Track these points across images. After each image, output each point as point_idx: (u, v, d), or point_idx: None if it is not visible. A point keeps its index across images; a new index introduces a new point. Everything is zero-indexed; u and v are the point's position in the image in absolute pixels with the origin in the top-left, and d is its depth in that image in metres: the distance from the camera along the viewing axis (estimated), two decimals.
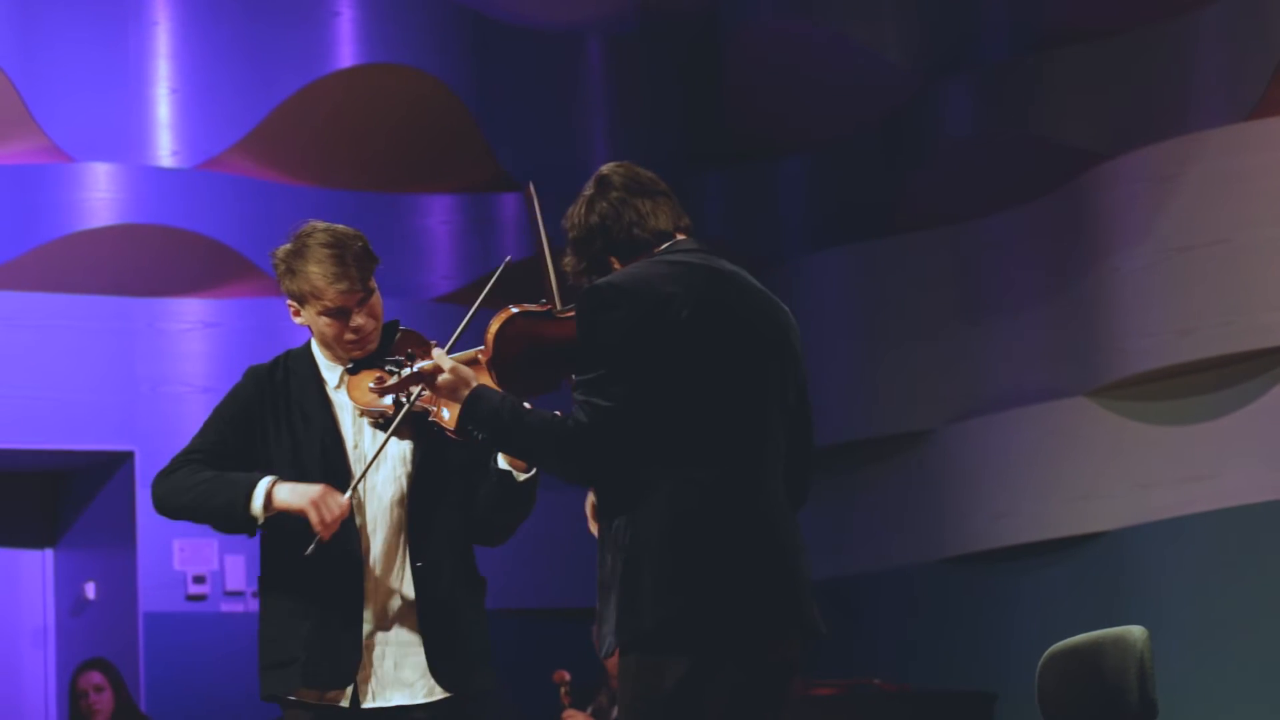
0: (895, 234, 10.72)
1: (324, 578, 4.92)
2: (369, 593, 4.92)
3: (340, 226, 5.03)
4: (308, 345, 5.13)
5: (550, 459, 4.34)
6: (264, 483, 4.90)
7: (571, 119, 11.35)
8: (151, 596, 10.26)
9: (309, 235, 4.98)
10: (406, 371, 4.68)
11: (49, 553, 10.76)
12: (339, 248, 4.94)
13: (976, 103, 10.44)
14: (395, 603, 4.94)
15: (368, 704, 4.91)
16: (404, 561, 4.95)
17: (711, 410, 4.26)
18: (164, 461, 10.90)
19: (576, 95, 11.46)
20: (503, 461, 4.90)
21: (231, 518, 4.93)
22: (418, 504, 4.96)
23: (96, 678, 9.59)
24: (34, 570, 10.73)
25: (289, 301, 5.04)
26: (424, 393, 4.69)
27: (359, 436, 5.00)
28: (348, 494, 4.84)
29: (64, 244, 10.20)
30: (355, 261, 4.94)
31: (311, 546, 4.81)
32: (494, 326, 4.51)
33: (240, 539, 9.99)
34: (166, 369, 10.45)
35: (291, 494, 4.86)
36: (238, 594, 10.44)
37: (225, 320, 10.58)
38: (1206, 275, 9.37)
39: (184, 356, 10.50)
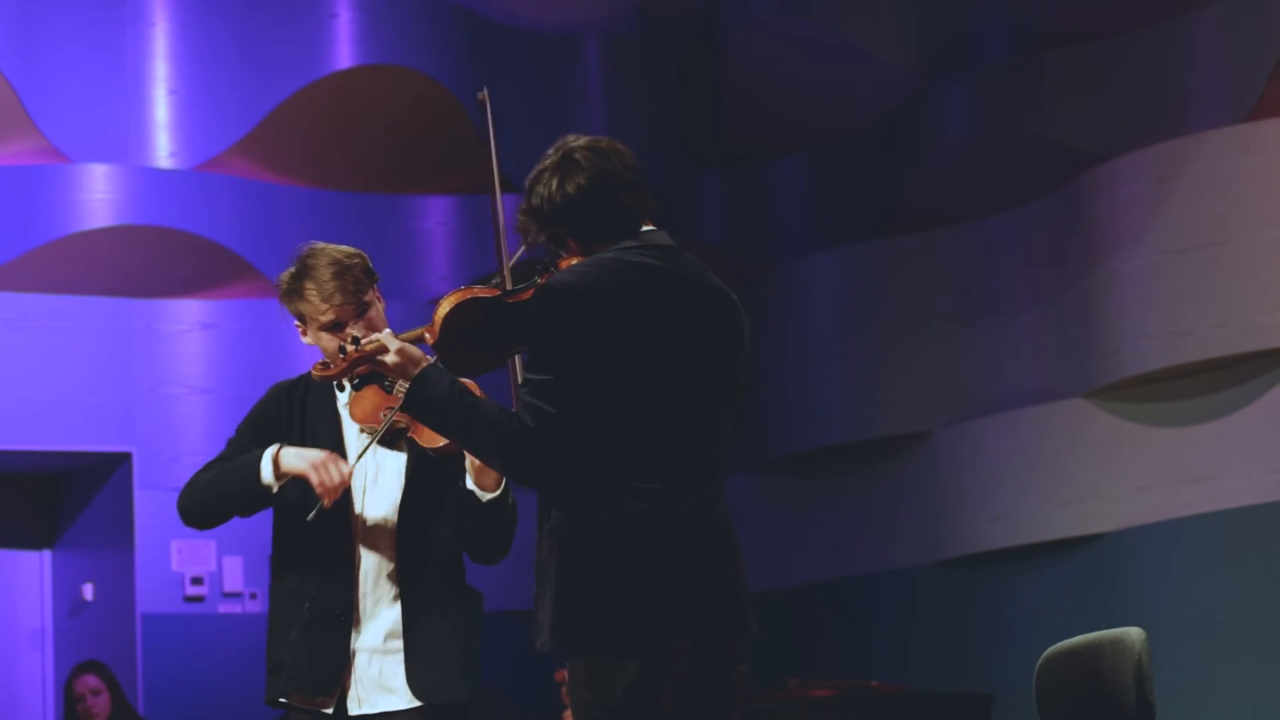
0: (893, 235, 10.73)
1: (318, 585, 5.00)
2: (359, 602, 5.00)
3: (342, 247, 5.11)
4: None
5: (491, 457, 4.32)
6: (270, 450, 4.98)
7: (569, 120, 11.35)
8: (149, 598, 10.26)
9: (308, 255, 5.09)
10: (351, 349, 4.68)
11: (46, 554, 10.76)
12: (335, 265, 5.03)
13: (974, 104, 10.44)
14: (383, 612, 5.00)
15: (354, 710, 4.98)
16: (392, 573, 5.01)
17: (658, 423, 4.24)
18: (162, 463, 10.94)
19: (575, 97, 11.46)
20: (469, 482, 4.96)
21: (247, 495, 5.01)
22: (407, 517, 5.02)
23: (93, 681, 9.58)
24: (31, 571, 10.73)
25: (295, 323, 5.14)
26: (372, 369, 4.70)
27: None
28: (351, 463, 4.93)
29: (62, 245, 10.20)
30: (351, 279, 5.03)
31: (314, 512, 4.89)
32: (443, 308, 4.51)
33: (240, 541, 10.08)
34: (164, 370, 10.45)
35: (297, 457, 4.94)
36: (235, 595, 10.44)
37: (223, 321, 10.58)
38: (1204, 276, 9.37)
39: (182, 358, 10.50)
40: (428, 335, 4.56)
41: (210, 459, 5.20)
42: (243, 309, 10.60)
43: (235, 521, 5.21)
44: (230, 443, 5.16)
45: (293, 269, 5.08)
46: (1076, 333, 9.88)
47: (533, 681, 9.83)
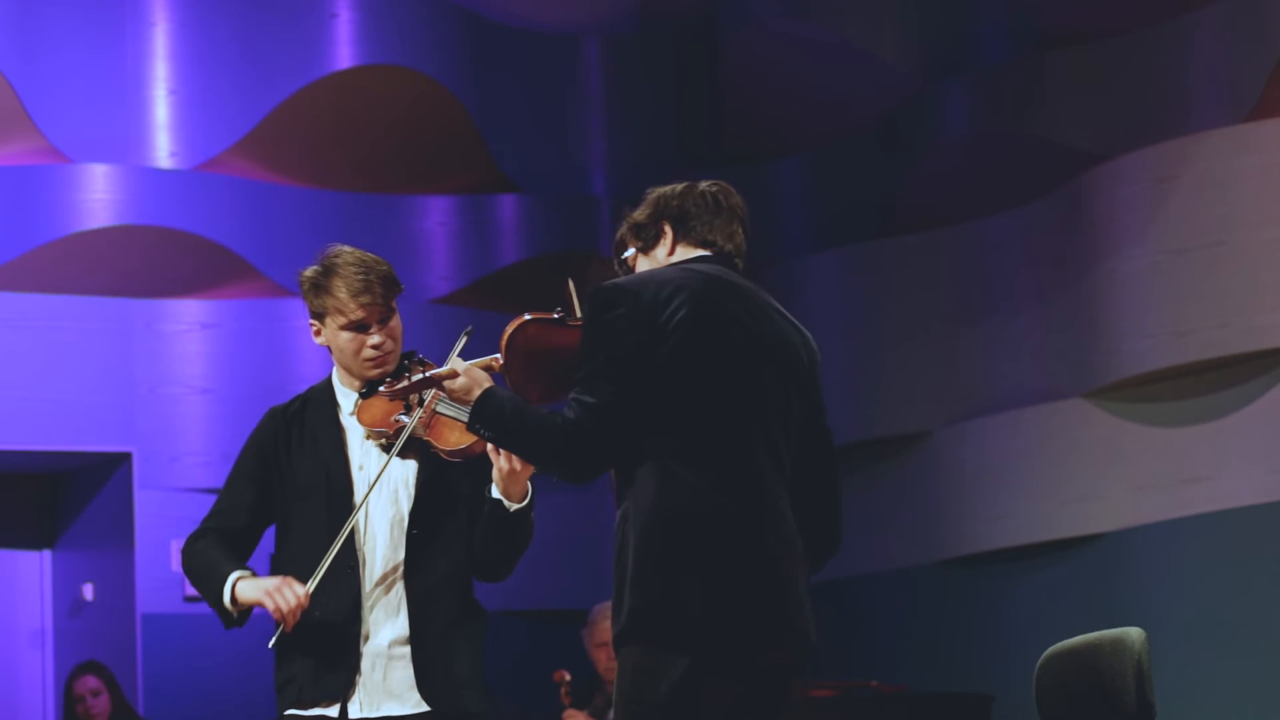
0: (893, 235, 10.73)
1: (323, 594, 4.99)
2: (365, 611, 5.00)
3: (368, 253, 5.15)
4: (328, 377, 5.23)
5: (540, 455, 4.39)
6: (229, 580, 5.03)
7: (569, 121, 11.35)
8: (149, 598, 10.26)
9: (336, 256, 5.11)
10: (419, 376, 4.72)
11: (47, 554, 10.76)
12: (364, 267, 5.07)
13: (974, 104, 10.44)
14: (389, 620, 5.00)
15: (355, 714, 4.98)
16: (399, 582, 5.01)
17: (705, 414, 4.27)
18: (162, 463, 10.93)
19: (574, 97, 11.46)
20: (495, 491, 4.96)
21: (215, 607, 5.11)
22: (416, 527, 5.02)
23: (93, 682, 9.57)
24: (31, 572, 10.72)
25: (310, 321, 5.15)
26: (429, 399, 4.74)
27: (365, 458, 5.07)
28: (309, 585, 4.93)
29: (62, 245, 10.20)
30: (379, 280, 5.06)
31: (274, 638, 4.99)
32: (507, 333, 4.57)
33: None
34: (164, 370, 10.45)
35: (252, 589, 5.00)
36: None
37: (223, 321, 10.58)
38: (1204, 277, 9.37)
39: (182, 358, 10.49)
40: (495, 363, 4.61)
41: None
42: (243, 309, 10.60)
43: None
44: (227, 482, 5.18)
45: (318, 266, 5.10)
46: (1076, 333, 9.88)
47: (532, 682, 9.83)
